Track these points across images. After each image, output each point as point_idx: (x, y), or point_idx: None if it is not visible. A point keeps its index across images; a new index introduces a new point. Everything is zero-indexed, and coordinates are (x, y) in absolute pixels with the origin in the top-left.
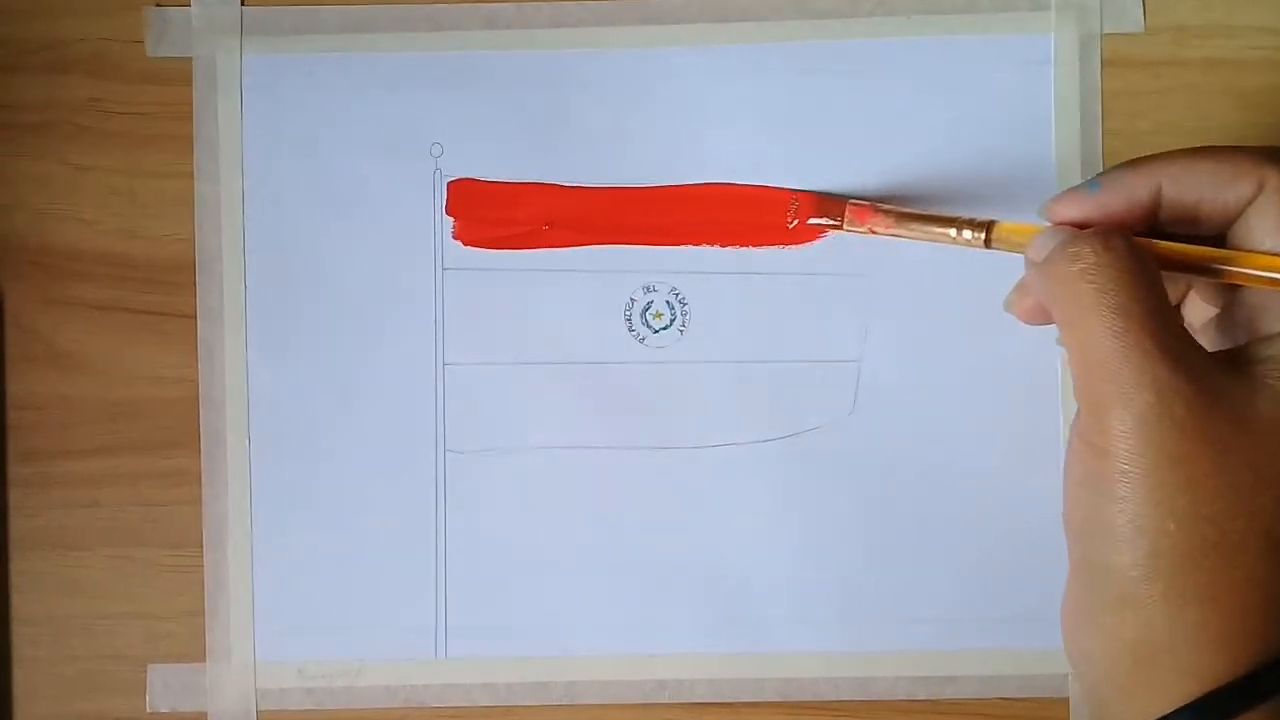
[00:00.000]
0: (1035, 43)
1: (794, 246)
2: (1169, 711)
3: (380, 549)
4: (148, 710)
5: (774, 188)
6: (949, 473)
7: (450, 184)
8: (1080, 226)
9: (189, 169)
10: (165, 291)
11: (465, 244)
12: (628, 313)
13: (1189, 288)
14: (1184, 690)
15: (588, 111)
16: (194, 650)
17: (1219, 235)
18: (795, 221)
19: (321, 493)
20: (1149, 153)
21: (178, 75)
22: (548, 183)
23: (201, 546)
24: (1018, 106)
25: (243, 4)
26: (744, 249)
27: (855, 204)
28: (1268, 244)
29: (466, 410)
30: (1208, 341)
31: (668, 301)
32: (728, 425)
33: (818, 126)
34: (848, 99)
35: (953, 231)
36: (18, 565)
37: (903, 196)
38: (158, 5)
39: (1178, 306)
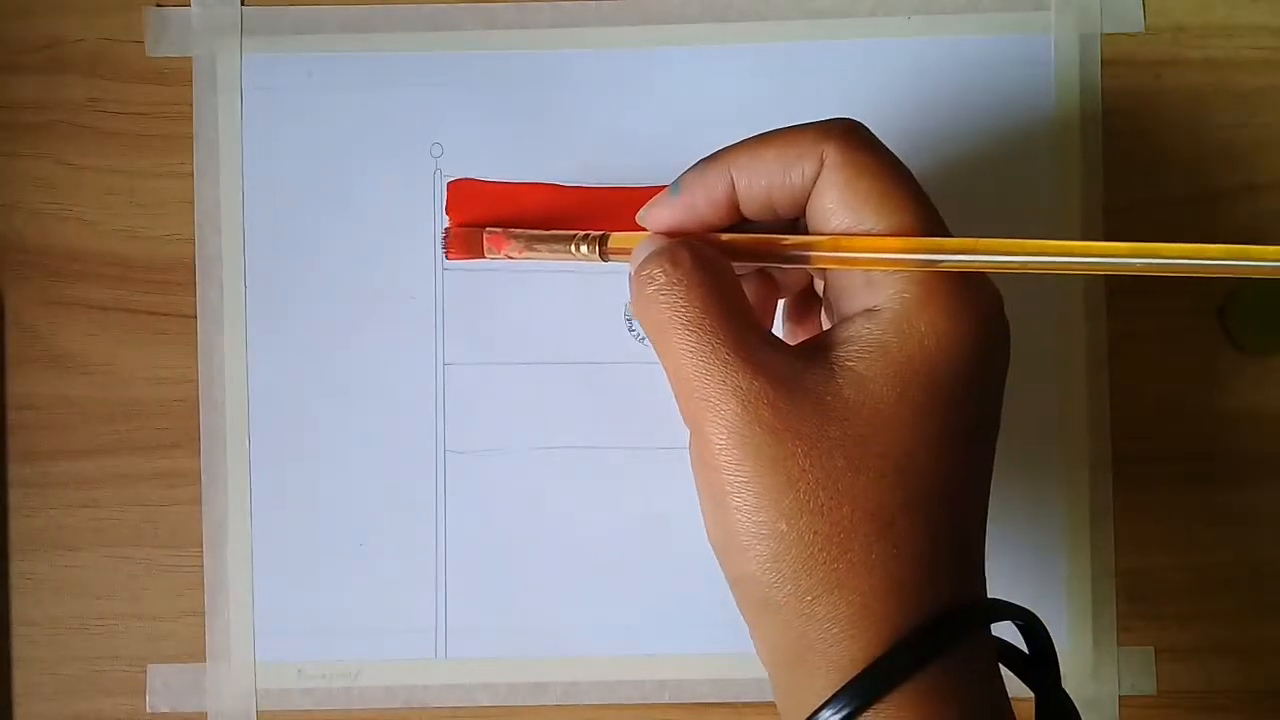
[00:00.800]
0: (1035, 42)
1: None
2: (816, 708)
3: (380, 549)
4: (147, 710)
5: None
6: None
7: (450, 184)
8: (673, 233)
9: (189, 169)
10: (165, 291)
11: (454, 268)
12: (628, 313)
13: (811, 280)
14: (829, 683)
15: (588, 111)
16: (194, 651)
17: (799, 220)
18: (447, 255)
19: (321, 493)
20: (1143, 158)
21: (177, 75)
22: (548, 183)
23: (201, 547)
24: (1018, 106)
25: (243, 4)
26: None
27: (491, 232)
28: (833, 222)
29: (466, 410)
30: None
31: None
32: None
33: None
34: (847, 99)
35: (571, 247)
36: (18, 566)
37: None
38: (158, 5)
39: (808, 295)
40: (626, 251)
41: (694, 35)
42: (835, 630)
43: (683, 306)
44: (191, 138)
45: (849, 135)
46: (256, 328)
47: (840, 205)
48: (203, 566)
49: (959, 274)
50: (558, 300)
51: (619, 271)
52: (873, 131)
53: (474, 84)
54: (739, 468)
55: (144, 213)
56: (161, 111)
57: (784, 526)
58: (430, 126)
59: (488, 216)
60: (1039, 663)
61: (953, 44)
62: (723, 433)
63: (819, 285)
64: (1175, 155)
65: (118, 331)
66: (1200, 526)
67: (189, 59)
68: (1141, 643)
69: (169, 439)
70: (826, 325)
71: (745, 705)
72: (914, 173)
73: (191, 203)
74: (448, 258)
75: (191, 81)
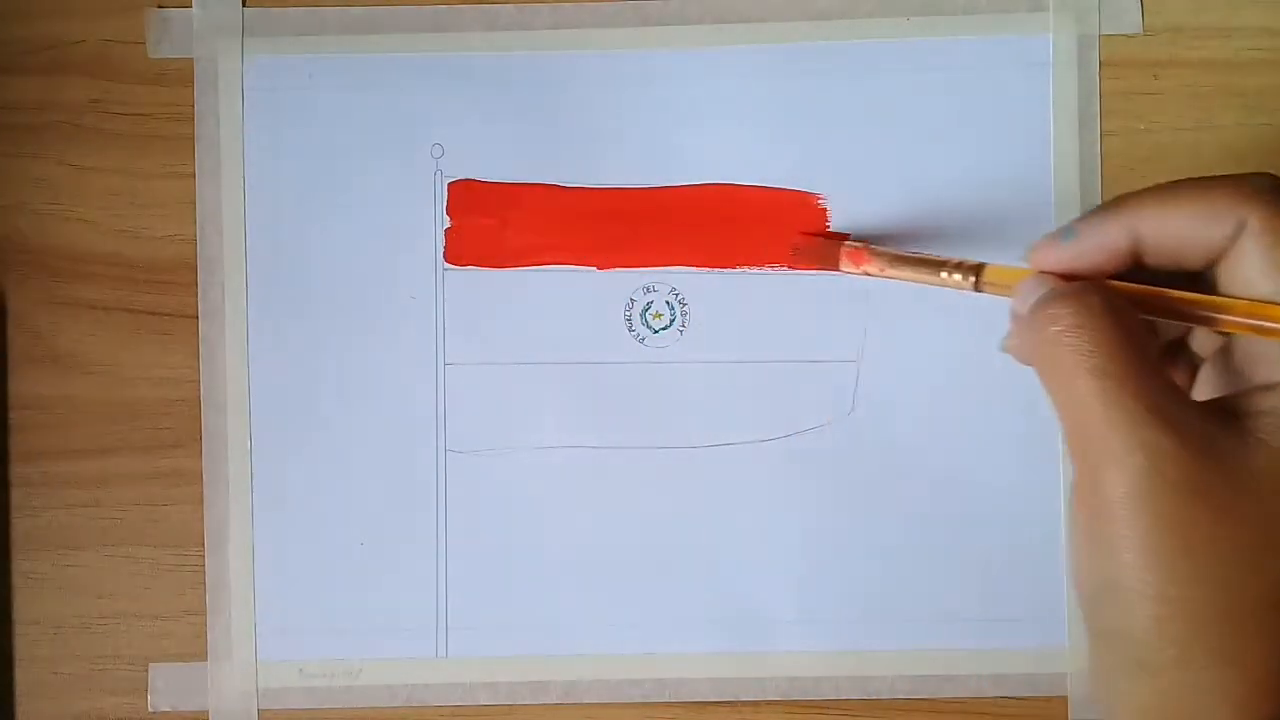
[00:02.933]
0: (1033, 43)
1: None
2: None
3: (381, 549)
4: (149, 710)
5: (774, 188)
6: (948, 472)
7: (450, 185)
8: (1063, 275)
9: (190, 170)
10: (166, 292)
11: (455, 264)
12: (628, 313)
13: (1187, 329)
14: None
15: (588, 112)
16: (195, 650)
17: (1206, 272)
18: (794, 265)
19: (322, 493)
20: (1142, 159)
21: (179, 76)
22: (548, 183)
23: (203, 546)
24: (1016, 107)
25: (244, 5)
26: (746, 248)
27: (850, 247)
28: (1254, 288)
29: (466, 410)
30: (1204, 388)
31: (667, 302)
32: (727, 425)
33: (817, 127)
34: (847, 99)
35: (943, 274)
36: (19, 565)
37: (903, 195)
38: (159, 6)
39: (1176, 346)
40: (1003, 285)
41: (694, 36)
42: (1224, 706)
43: (1089, 351)
44: (193, 139)
45: (1270, 199)
46: (258, 328)
47: (1263, 274)
48: (204, 566)
49: None
50: (558, 300)
51: (619, 271)
52: None
53: (475, 85)
54: (1134, 522)
55: (145, 213)
56: (163, 113)
57: (1174, 591)
58: (431, 127)
59: (488, 217)
60: None
61: (952, 45)
62: (1121, 484)
63: (1200, 344)
64: (1174, 157)
65: (119, 332)
66: None
67: (190, 60)
68: None
69: (170, 439)
70: (1207, 386)
71: (745, 704)
72: (913, 174)
73: (193, 203)
74: (794, 267)
75: (193, 83)
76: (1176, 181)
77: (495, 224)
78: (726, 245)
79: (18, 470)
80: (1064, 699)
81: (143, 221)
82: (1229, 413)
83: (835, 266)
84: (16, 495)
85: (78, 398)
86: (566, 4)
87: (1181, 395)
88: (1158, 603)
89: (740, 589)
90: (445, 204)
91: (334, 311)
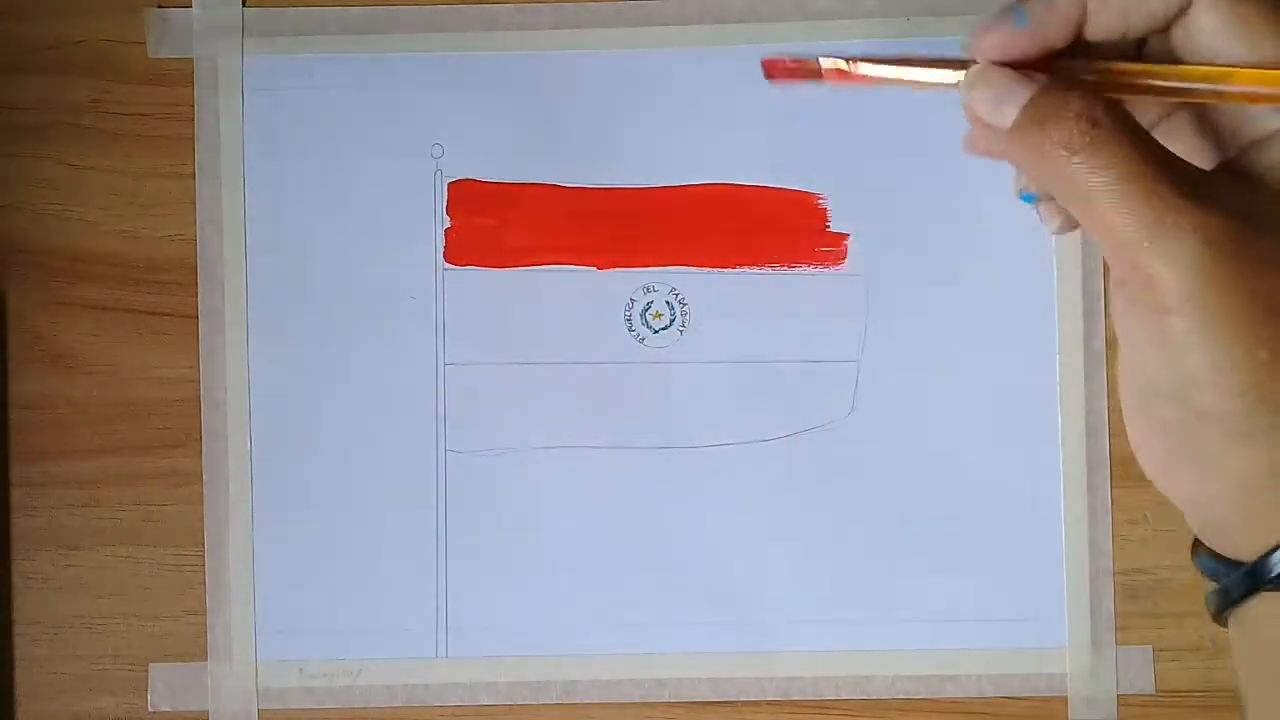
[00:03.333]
0: None
1: (798, 264)
2: None
3: (381, 549)
4: (149, 709)
5: (774, 188)
6: (948, 472)
7: (450, 184)
8: (1012, 63)
9: (190, 169)
10: (167, 292)
11: (455, 264)
12: (628, 313)
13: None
14: None
15: (588, 112)
16: (195, 650)
17: (1150, 39)
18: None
19: (322, 492)
20: None
21: (179, 76)
22: (548, 183)
23: (203, 546)
24: None
25: (244, 5)
26: (746, 248)
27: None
28: (1213, 47)
29: (466, 410)
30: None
31: (668, 302)
32: (728, 425)
33: (818, 126)
34: (848, 99)
35: (927, 73)
36: (20, 565)
37: (903, 195)
38: (159, 6)
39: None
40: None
41: (693, 36)
42: None
43: (1110, 168)
44: (193, 139)
45: None
46: (258, 328)
47: (1221, 29)
48: (204, 566)
49: None
50: (558, 300)
51: (619, 271)
52: None
53: (474, 85)
54: (1210, 307)
55: (146, 213)
56: (163, 112)
57: (1264, 355)
58: (431, 127)
59: (487, 215)
60: None
61: (952, 44)
62: (1188, 277)
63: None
64: None
65: (119, 331)
66: None
67: (190, 60)
68: (1140, 642)
69: (170, 439)
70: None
71: (745, 704)
72: (914, 172)
73: (193, 203)
74: (773, 79)
75: (193, 82)
76: None
77: (495, 224)
78: (726, 245)
79: (18, 470)
80: (1064, 699)
81: (143, 221)
82: (1244, 177)
83: (817, 75)
84: (16, 495)
85: (78, 398)
86: (566, 4)
87: (1205, 174)
88: (1247, 371)
89: (740, 589)
90: (445, 204)
91: (334, 311)
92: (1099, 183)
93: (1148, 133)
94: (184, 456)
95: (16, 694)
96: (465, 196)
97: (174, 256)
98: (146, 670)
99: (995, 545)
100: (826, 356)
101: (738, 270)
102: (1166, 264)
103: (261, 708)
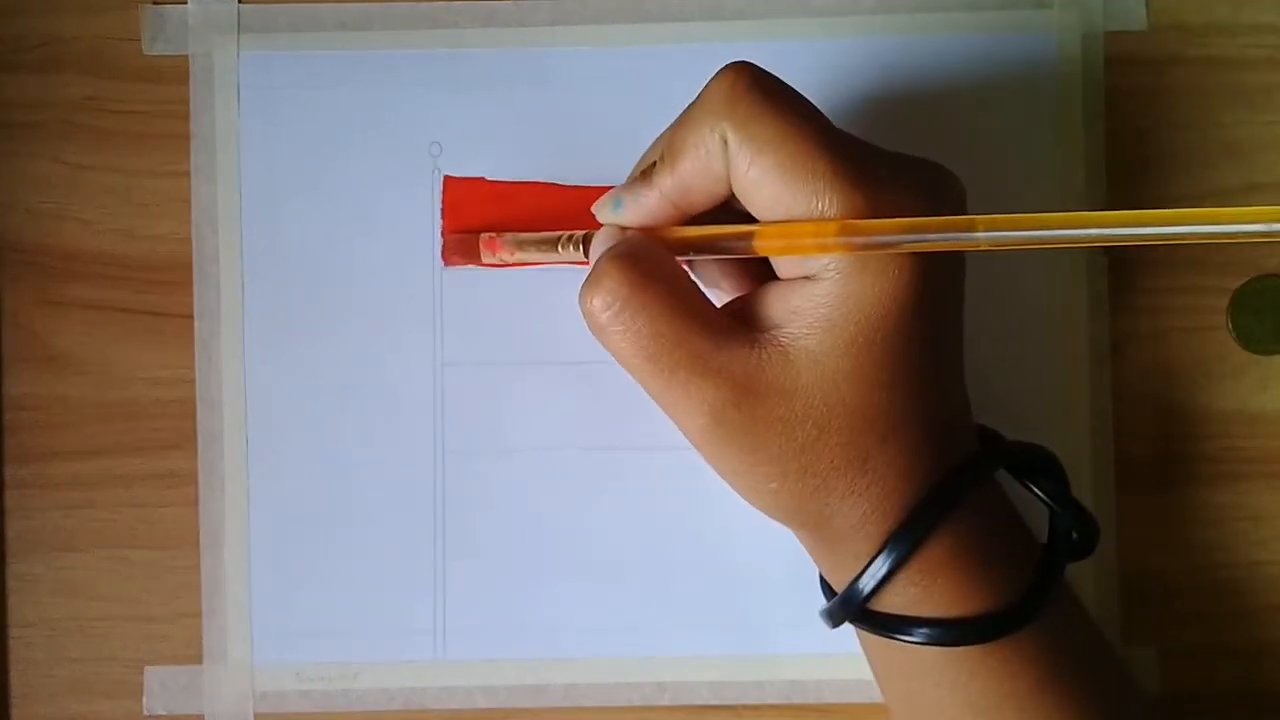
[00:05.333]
0: (1037, 41)
1: None
2: (870, 556)
3: (379, 550)
4: (144, 712)
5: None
6: None
7: (446, 179)
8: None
9: (186, 168)
10: (162, 291)
11: (454, 263)
12: None
13: None
14: (869, 546)
15: (588, 111)
16: (191, 652)
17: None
18: (445, 262)
19: (319, 494)
20: (1146, 157)
21: (174, 73)
22: (547, 181)
23: (198, 548)
24: (1019, 105)
25: (240, 2)
26: None
27: (486, 237)
28: (754, 200)
29: (466, 410)
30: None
31: None
32: None
33: None
34: (847, 98)
35: (558, 249)
36: (14, 567)
37: None
38: (154, 3)
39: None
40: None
41: (693, 33)
42: (859, 525)
43: (635, 335)
44: (188, 136)
45: (736, 105)
46: (254, 328)
47: (753, 186)
48: (200, 568)
49: None
50: (557, 300)
51: None
52: (760, 74)
53: (473, 83)
54: (723, 460)
55: (141, 212)
56: (158, 110)
57: (774, 486)
58: (429, 125)
59: (485, 216)
60: (1050, 481)
61: (953, 43)
62: (699, 437)
63: None
64: (1178, 155)
65: (114, 331)
66: (1203, 527)
67: (186, 57)
68: (1144, 643)
69: (166, 439)
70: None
71: (744, 707)
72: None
73: (188, 202)
74: (445, 264)
75: (188, 80)
76: (669, 132)
77: (494, 222)
78: None
79: (12, 471)
80: None
81: (138, 220)
82: (767, 325)
83: (478, 259)
84: (10, 496)
85: (72, 398)
86: (566, 1)
87: (724, 334)
88: (768, 495)
89: (740, 591)
90: (443, 202)
91: (331, 310)
92: (625, 353)
93: (682, 285)
94: (179, 457)
95: (11, 696)
96: (463, 195)
97: (169, 255)
98: (142, 673)
99: None
100: None
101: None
102: (687, 427)
103: (257, 711)
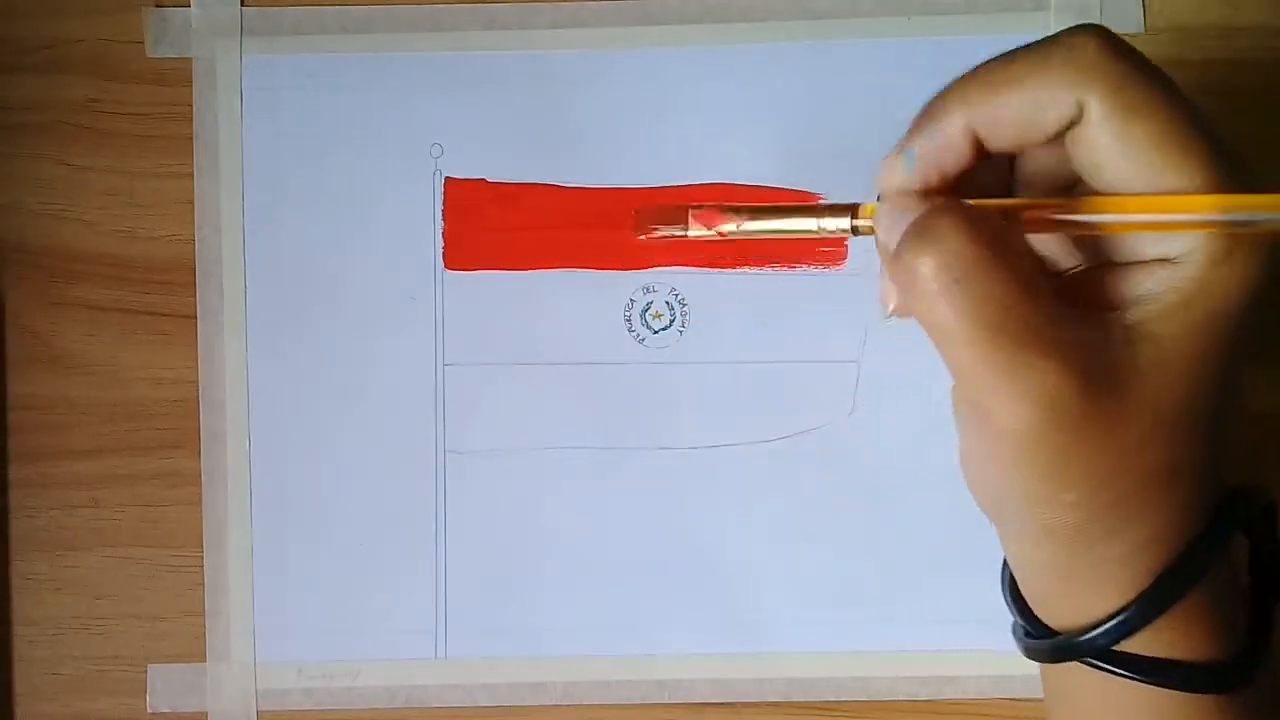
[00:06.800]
0: None
1: (798, 265)
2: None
3: (380, 549)
4: (148, 710)
5: (774, 188)
6: (949, 472)
7: (448, 180)
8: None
9: (189, 169)
10: (165, 292)
11: (455, 265)
12: (627, 313)
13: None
14: (1120, 597)
15: (588, 112)
16: (194, 650)
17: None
18: (639, 234)
19: (321, 493)
20: None
21: (177, 75)
22: (548, 183)
23: (201, 547)
24: None
25: (242, 4)
26: (746, 248)
27: (701, 208)
28: (1108, 174)
29: (466, 410)
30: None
31: (667, 302)
32: (728, 425)
33: (817, 126)
34: (848, 98)
35: (819, 224)
36: (18, 566)
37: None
38: (157, 5)
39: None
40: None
41: (694, 36)
42: (1114, 565)
43: (974, 305)
44: (191, 138)
45: (1108, 74)
46: (256, 328)
47: (1115, 157)
48: (203, 566)
49: None
50: (558, 301)
51: (620, 271)
52: (1126, 44)
53: (474, 84)
54: (1034, 456)
55: (144, 213)
56: (161, 112)
57: (1070, 497)
58: (430, 127)
59: (486, 216)
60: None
61: (953, 44)
62: (1020, 426)
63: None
64: None
65: (118, 332)
66: None
67: (189, 59)
68: None
69: (169, 439)
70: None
71: (744, 705)
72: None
73: (191, 203)
74: (639, 235)
75: (191, 82)
76: (1006, 59)
77: (494, 224)
78: (726, 245)
79: (16, 471)
80: None
81: (141, 221)
82: (1111, 306)
83: (684, 225)
84: (15, 496)
85: (76, 398)
86: (566, 3)
87: (1061, 313)
88: (1058, 507)
89: (740, 590)
90: (444, 204)
91: (333, 312)
92: (952, 326)
93: (1018, 260)
94: (183, 457)
95: (15, 694)
96: (464, 196)
97: (173, 256)
98: (145, 671)
99: (996, 545)
100: (826, 356)
101: (738, 270)
102: (1007, 413)
103: (260, 709)
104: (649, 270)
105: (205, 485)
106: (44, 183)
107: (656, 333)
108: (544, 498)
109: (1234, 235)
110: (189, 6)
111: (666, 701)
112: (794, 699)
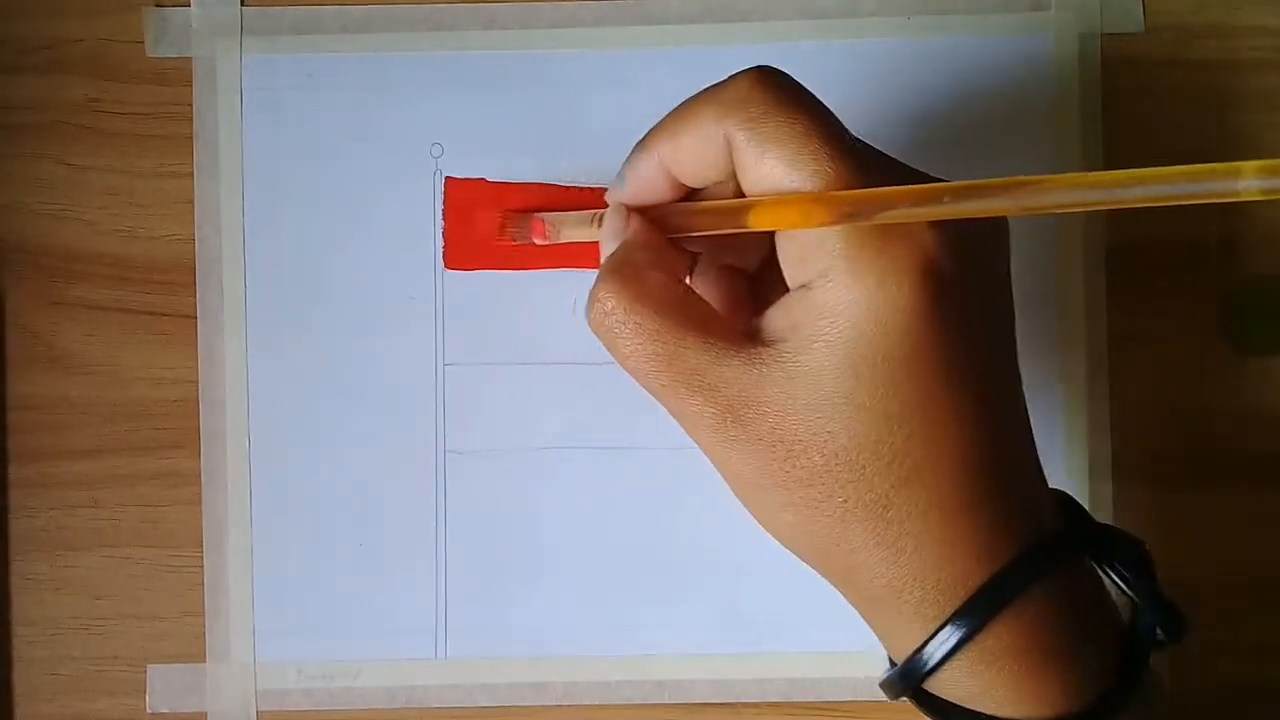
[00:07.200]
0: (1035, 43)
1: None
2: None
3: (380, 549)
4: (147, 711)
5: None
6: None
7: (448, 180)
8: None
9: (189, 169)
10: (165, 292)
11: (455, 264)
12: None
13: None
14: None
15: (588, 112)
16: (193, 651)
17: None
18: (505, 238)
19: (321, 493)
20: (1143, 159)
21: (177, 75)
22: (548, 183)
23: (201, 547)
24: (1017, 107)
25: (242, 4)
26: None
27: (537, 218)
28: (757, 193)
29: (466, 410)
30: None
31: None
32: None
33: None
34: (847, 99)
35: (593, 227)
36: (17, 566)
37: None
38: (157, 5)
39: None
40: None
41: (694, 35)
42: (899, 592)
43: (634, 351)
44: (191, 138)
45: (748, 106)
46: (256, 328)
47: (760, 181)
48: (203, 567)
49: (884, 233)
50: (558, 300)
51: None
52: (780, 79)
53: (474, 84)
54: (735, 480)
55: (144, 213)
56: (161, 112)
57: (789, 518)
58: (430, 127)
59: (487, 217)
60: (1135, 572)
61: (952, 44)
62: (710, 453)
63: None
64: (1176, 156)
65: (118, 332)
66: (1201, 527)
67: (189, 59)
68: None
69: (169, 439)
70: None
71: (745, 705)
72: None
73: (191, 203)
74: (507, 240)
75: (191, 82)
76: (687, 102)
77: (495, 224)
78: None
79: (15, 471)
80: None
81: (141, 221)
82: (771, 339)
83: (529, 238)
84: (14, 496)
85: (76, 398)
86: (566, 3)
87: (720, 351)
88: (784, 527)
89: (741, 589)
90: (444, 203)
91: (333, 312)
92: (628, 364)
93: (681, 298)
94: (182, 457)
95: (14, 695)
96: (465, 196)
97: (173, 256)
98: (144, 671)
99: None
100: None
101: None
102: (692, 438)
103: (260, 709)
104: None
105: (205, 485)
106: (43, 182)
107: None
108: (544, 498)
109: (853, 258)
110: (189, 6)
111: (666, 701)
112: (794, 699)
